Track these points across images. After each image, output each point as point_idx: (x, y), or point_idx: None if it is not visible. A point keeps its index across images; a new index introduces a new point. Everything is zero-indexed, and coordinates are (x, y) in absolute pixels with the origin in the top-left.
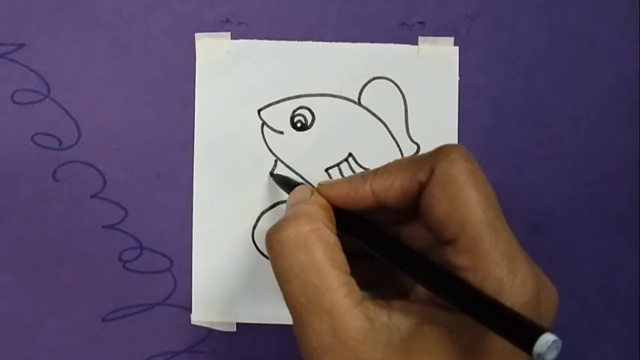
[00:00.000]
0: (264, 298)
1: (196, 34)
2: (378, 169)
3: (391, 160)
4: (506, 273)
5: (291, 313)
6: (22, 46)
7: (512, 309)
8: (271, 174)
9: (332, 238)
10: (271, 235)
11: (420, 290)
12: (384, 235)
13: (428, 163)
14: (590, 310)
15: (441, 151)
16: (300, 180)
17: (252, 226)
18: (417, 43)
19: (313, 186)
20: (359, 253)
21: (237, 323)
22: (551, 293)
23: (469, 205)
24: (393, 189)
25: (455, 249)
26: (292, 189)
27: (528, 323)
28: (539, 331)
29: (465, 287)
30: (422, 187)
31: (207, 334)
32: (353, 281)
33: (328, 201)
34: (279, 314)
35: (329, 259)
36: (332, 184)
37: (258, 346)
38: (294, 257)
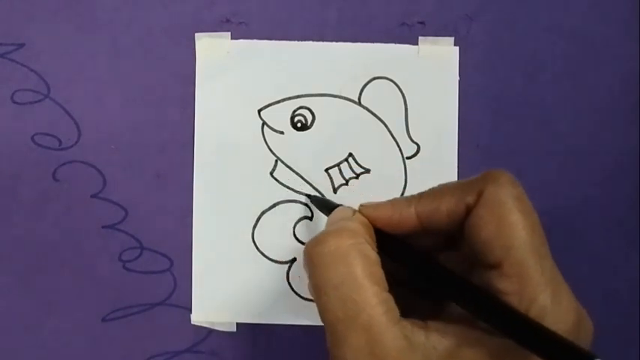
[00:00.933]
0: (264, 298)
1: (196, 34)
2: (422, 192)
3: (391, 159)
4: (550, 300)
5: (327, 327)
6: (22, 46)
7: (560, 335)
8: (309, 196)
9: (373, 254)
10: (311, 248)
11: (453, 313)
12: (426, 258)
13: (476, 187)
14: (590, 310)
15: (490, 175)
16: (301, 179)
17: (252, 226)
18: (417, 43)
19: (317, 191)
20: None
21: (237, 323)
22: (588, 324)
23: (516, 229)
24: (438, 212)
25: (499, 273)
26: (331, 210)
27: (578, 349)
28: (591, 356)
29: (510, 311)
30: (469, 210)
31: (207, 334)
32: (391, 299)
33: (370, 222)
34: (279, 314)
35: (369, 275)
36: (375, 205)
37: (258, 346)
38: (334, 270)
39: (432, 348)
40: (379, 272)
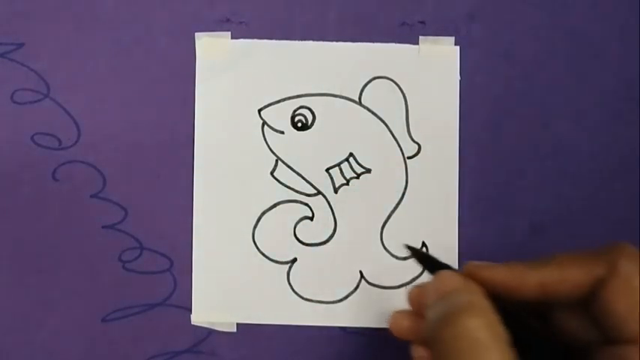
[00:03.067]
0: (264, 298)
1: (196, 34)
2: (542, 260)
3: (392, 158)
4: None
5: None
6: (22, 45)
7: None
8: (408, 247)
9: (504, 333)
10: (441, 329)
11: None
12: (547, 329)
13: (604, 259)
14: None
15: (619, 249)
16: (302, 179)
17: (252, 226)
18: (417, 43)
19: (317, 190)
20: None
21: (237, 323)
22: None
23: None
24: (565, 282)
25: (637, 347)
26: (432, 268)
27: None
28: None
29: None
30: (597, 283)
31: (207, 334)
32: None
33: (482, 284)
34: (279, 314)
35: None
36: (488, 267)
37: (258, 346)
38: (474, 355)
39: None
40: (511, 354)
